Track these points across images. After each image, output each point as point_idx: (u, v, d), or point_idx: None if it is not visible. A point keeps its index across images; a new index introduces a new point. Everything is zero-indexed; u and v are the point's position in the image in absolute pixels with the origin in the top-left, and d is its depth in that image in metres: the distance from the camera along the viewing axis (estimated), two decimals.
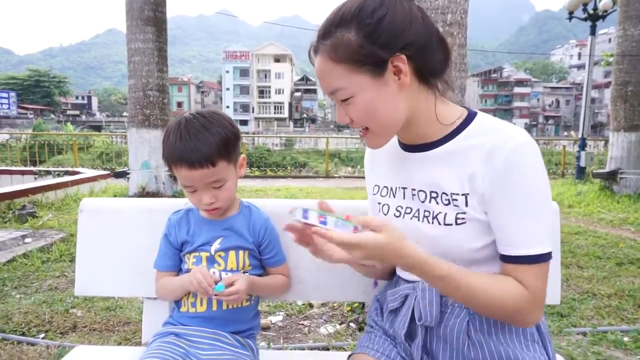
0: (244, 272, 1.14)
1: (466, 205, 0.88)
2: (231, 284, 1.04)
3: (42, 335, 2.42)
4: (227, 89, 78.34)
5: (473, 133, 0.89)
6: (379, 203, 1.06)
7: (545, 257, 0.85)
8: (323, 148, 16.26)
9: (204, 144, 1.03)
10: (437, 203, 0.92)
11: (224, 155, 1.06)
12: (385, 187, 1.05)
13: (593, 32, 10.16)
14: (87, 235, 1.33)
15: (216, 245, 1.13)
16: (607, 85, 57.02)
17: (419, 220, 0.95)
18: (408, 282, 1.02)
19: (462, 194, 0.88)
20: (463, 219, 0.89)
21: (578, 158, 10.32)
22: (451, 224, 0.90)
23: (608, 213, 6.22)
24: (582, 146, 10.31)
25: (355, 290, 1.29)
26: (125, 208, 1.34)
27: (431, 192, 0.93)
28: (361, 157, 17.95)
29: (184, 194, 1.12)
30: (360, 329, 2.49)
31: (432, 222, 0.92)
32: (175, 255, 1.18)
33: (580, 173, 10.06)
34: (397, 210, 1.00)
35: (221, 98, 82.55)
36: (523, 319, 0.87)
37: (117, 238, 1.33)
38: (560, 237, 1.31)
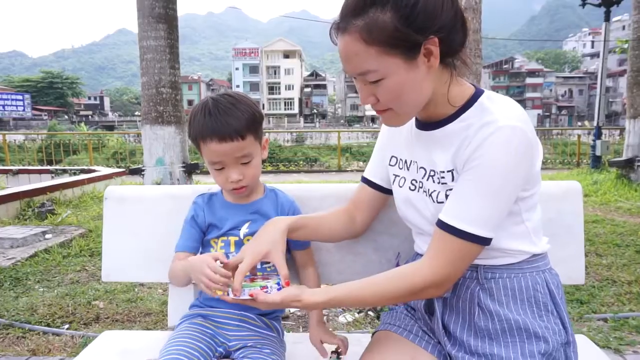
0: None
1: (452, 180, 0.91)
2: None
3: (67, 326, 2.48)
4: (237, 86, 78.45)
5: (470, 115, 0.90)
6: (396, 175, 1.08)
7: (473, 238, 0.85)
8: (334, 143, 16.27)
9: (234, 118, 1.05)
10: (433, 182, 0.95)
11: (252, 130, 1.07)
12: (401, 159, 1.07)
13: (607, 18, 9.97)
14: (112, 222, 1.36)
15: (244, 229, 1.14)
16: (621, 73, 55.94)
17: (426, 195, 0.97)
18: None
19: (448, 170, 0.91)
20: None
21: (593, 147, 10.16)
22: (442, 202, 0.92)
23: (625, 201, 6.12)
24: (598, 135, 10.15)
25: (378, 271, 1.29)
26: (149, 195, 1.37)
27: (430, 170, 0.96)
28: (372, 151, 17.83)
29: (210, 174, 1.13)
30: (379, 317, 2.50)
31: (430, 199, 0.95)
32: (199, 238, 1.18)
33: (596, 162, 9.91)
34: (412, 184, 1.02)
35: None
36: (432, 293, 0.91)
37: (141, 224, 1.35)
38: None
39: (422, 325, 1.02)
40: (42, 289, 3.04)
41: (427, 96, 0.90)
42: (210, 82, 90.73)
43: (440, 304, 0.97)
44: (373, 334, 1.09)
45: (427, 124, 0.98)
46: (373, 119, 76.34)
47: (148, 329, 2.44)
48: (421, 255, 1.06)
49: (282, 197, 1.22)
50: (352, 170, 13.25)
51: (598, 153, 9.94)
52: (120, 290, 3.00)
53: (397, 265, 1.27)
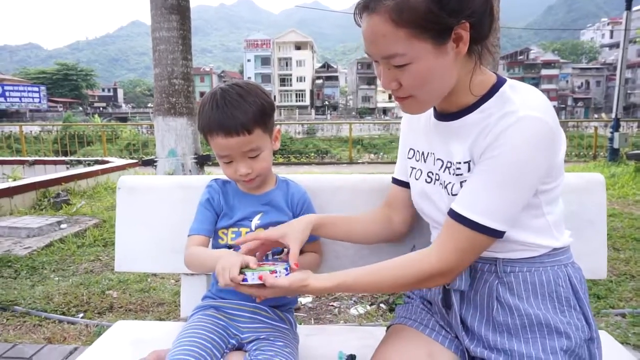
0: (282, 250, 1.13)
1: (468, 171, 0.88)
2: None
3: (81, 314, 2.51)
4: (249, 78, 78.25)
5: (491, 105, 0.87)
6: (413, 167, 1.06)
7: (484, 230, 0.83)
8: (345, 135, 16.18)
9: (241, 112, 1.02)
10: (449, 174, 0.92)
11: (260, 123, 1.05)
12: (418, 151, 1.05)
13: (629, 6, 9.69)
14: (125, 212, 1.36)
15: (256, 221, 1.13)
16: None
17: (442, 187, 0.95)
18: None
19: (465, 162, 0.88)
20: None
21: (611, 139, 9.95)
22: (457, 194, 0.89)
23: None
24: (616, 127, 9.93)
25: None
26: (161, 185, 1.36)
27: (447, 161, 0.93)
28: (384, 143, 17.83)
29: (220, 166, 1.11)
30: (391, 310, 2.48)
31: (445, 192, 0.93)
32: (214, 221, 1.15)
33: (614, 155, 9.71)
34: (429, 176, 1.00)
35: None
36: (438, 282, 0.90)
37: (154, 215, 1.35)
38: None
39: (439, 319, 1.00)
40: (57, 278, 3.08)
41: (451, 84, 0.87)
42: (222, 74, 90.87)
43: (458, 297, 0.95)
44: (388, 327, 1.07)
45: (445, 115, 0.95)
46: (385, 111, 75.91)
47: (161, 319, 2.46)
48: None
49: (293, 187, 1.20)
50: (363, 163, 13.19)
51: (616, 146, 9.74)
52: (134, 280, 3.02)
53: (413, 247, 1.25)
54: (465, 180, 0.89)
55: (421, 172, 1.03)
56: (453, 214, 0.86)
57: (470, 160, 0.88)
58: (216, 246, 1.16)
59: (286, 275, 0.90)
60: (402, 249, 1.29)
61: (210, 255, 1.05)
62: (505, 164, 0.81)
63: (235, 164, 1.07)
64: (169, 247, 1.32)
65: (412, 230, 1.17)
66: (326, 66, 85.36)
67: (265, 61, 79.56)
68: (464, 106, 0.91)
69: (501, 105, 0.85)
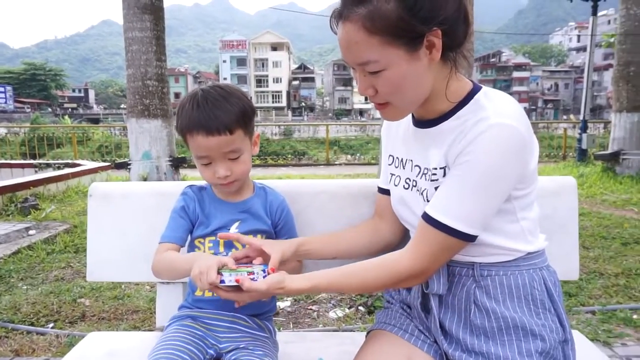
0: None
1: (443, 176, 0.90)
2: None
3: (51, 324, 2.42)
4: (225, 79, 77.68)
5: (466, 111, 0.89)
6: (392, 174, 1.08)
7: (456, 233, 0.85)
8: (322, 136, 16.22)
9: (223, 111, 1.01)
10: (425, 180, 0.94)
11: (241, 124, 1.03)
12: (397, 158, 1.07)
13: (595, 12, 10.04)
14: (97, 220, 1.32)
15: (234, 229, 1.10)
16: (606, 67, 56.64)
17: (419, 194, 0.96)
18: None
19: (441, 167, 0.90)
20: None
21: (580, 140, 10.28)
22: None
23: (611, 194, 6.21)
24: (584, 128, 10.26)
25: None
26: (135, 192, 1.32)
27: (424, 168, 0.95)
28: (360, 144, 17.94)
29: (197, 168, 1.09)
30: (370, 312, 2.49)
31: (422, 198, 0.94)
32: (188, 229, 1.12)
33: (582, 155, 10.03)
34: (406, 183, 1.01)
35: None
36: (412, 282, 0.93)
37: (128, 222, 1.31)
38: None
39: (418, 324, 1.00)
40: (25, 287, 2.97)
41: (427, 90, 0.88)
42: (197, 75, 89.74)
43: (437, 301, 0.95)
44: (368, 332, 1.07)
45: (423, 122, 0.96)
46: (361, 112, 76.40)
47: (136, 327, 2.40)
48: None
49: (271, 194, 1.19)
50: (340, 164, 13.23)
51: (584, 146, 10.06)
52: (107, 287, 2.94)
53: None
54: (439, 186, 0.89)
55: (400, 179, 1.04)
56: (426, 217, 0.87)
57: (445, 166, 0.89)
58: None
59: (264, 277, 0.89)
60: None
61: (184, 259, 1.02)
62: (476, 169, 0.82)
63: (214, 165, 1.04)
64: (143, 255, 1.27)
65: (402, 239, 1.16)
66: (303, 67, 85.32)
67: (241, 62, 79.00)
68: (441, 113, 0.92)
69: (475, 112, 0.86)
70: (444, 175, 0.89)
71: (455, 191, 0.85)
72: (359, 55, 0.83)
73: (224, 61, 79.22)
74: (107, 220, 1.31)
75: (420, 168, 0.96)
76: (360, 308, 2.56)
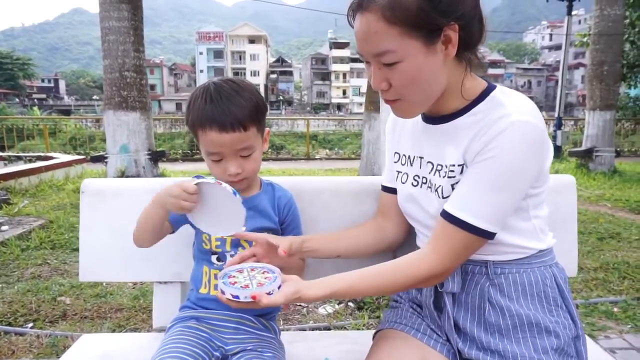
0: None
1: (461, 173, 0.89)
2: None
3: (30, 324, 2.33)
4: (201, 71, 76.62)
5: (482, 108, 0.89)
6: (399, 172, 1.07)
7: (477, 231, 0.85)
8: (300, 130, 16.15)
9: (237, 107, 0.97)
10: (440, 176, 0.93)
11: (255, 120, 1.00)
12: (404, 155, 1.06)
13: (569, 12, 10.29)
14: (89, 218, 1.26)
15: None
16: (576, 66, 58.31)
17: (431, 191, 0.96)
18: None
19: (459, 165, 0.90)
20: None
21: (554, 137, 10.55)
22: (449, 195, 0.90)
23: (585, 190, 6.40)
24: (559, 125, 10.54)
25: (373, 262, 1.25)
26: (129, 188, 1.27)
27: (437, 164, 0.94)
28: (339, 139, 17.95)
29: (206, 164, 1.05)
30: (360, 308, 2.49)
31: (436, 194, 0.94)
32: (180, 220, 1.08)
33: (557, 152, 10.30)
34: (415, 180, 1.01)
35: (195, 81, 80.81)
36: (433, 282, 0.92)
37: (122, 220, 1.25)
38: None
39: (430, 322, 1.00)
40: (0, 285, 2.85)
41: (441, 86, 0.88)
42: (172, 67, 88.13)
43: (450, 300, 0.95)
44: (376, 332, 1.06)
45: (435, 118, 0.96)
46: (339, 107, 76.53)
47: (121, 326, 2.33)
48: None
49: (279, 190, 1.16)
50: (320, 159, 13.21)
51: (559, 143, 10.34)
52: (87, 285, 2.85)
53: (395, 256, 1.25)
54: (457, 183, 0.89)
55: (407, 176, 1.04)
56: (446, 215, 0.87)
57: (463, 164, 0.89)
58: (200, 251, 1.10)
59: (274, 282, 0.87)
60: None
61: (152, 203, 1.00)
62: (499, 166, 0.82)
63: (225, 162, 1.01)
64: (138, 254, 1.23)
65: (406, 238, 1.15)
66: (280, 61, 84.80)
67: (218, 54, 77.89)
68: (455, 109, 0.92)
69: (493, 109, 0.86)
70: (462, 172, 0.89)
71: (476, 189, 0.85)
72: (376, 46, 0.82)
73: (201, 53, 77.92)
74: (99, 218, 1.26)
75: (433, 164, 0.95)
76: (350, 304, 2.55)
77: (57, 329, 2.28)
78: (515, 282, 0.92)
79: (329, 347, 1.18)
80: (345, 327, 2.29)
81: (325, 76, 78.70)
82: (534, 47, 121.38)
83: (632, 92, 15.96)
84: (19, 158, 8.02)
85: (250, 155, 1.02)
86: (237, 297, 0.83)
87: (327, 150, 14.74)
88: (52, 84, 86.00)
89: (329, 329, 2.27)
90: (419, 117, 1.01)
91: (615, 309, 2.49)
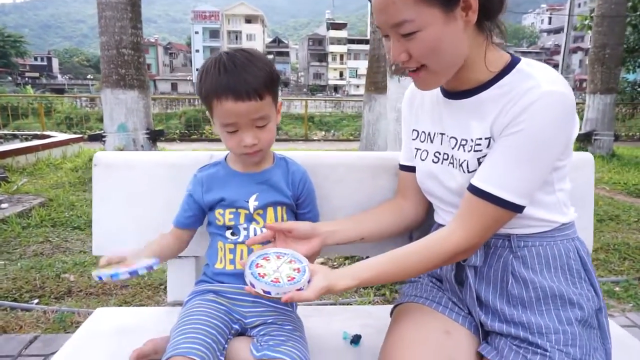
0: None
1: (487, 147, 0.88)
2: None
3: (36, 300, 2.33)
4: (197, 51, 75.51)
5: (509, 80, 0.87)
6: (418, 149, 1.06)
7: (506, 204, 0.83)
8: (296, 112, 16.05)
9: (252, 76, 0.94)
10: (464, 151, 0.92)
11: (270, 90, 0.98)
12: (424, 132, 1.05)
13: None
14: (103, 191, 1.24)
15: (253, 201, 1.05)
16: (575, 50, 57.93)
17: (453, 167, 0.95)
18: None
19: (485, 138, 0.88)
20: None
21: None
22: (475, 170, 0.89)
23: None
24: None
25: (391, 244, 1.24)
26: (144, 162, 1.25)
27: (461, 139, 0.93)
28: (335, 121, 17.83)
29: (220, 137, 1.03)
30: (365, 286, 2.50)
31: (460, 169, 0.92)
32: (196, 214, 1.10)
33: None
34: (435, 156, 1.00)
35: (191, 60, 79.77)
36: (460, 258, 0.91)
37: (136, 195, 1.24)
38: None
39: (451, 296, 1.00)
40: (2, 262, 2.84)
41: (463, 54, 0.86)
42: (168, 46, 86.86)
43: (472, 273, 0.95)
44: (395, 306, 1.06)
45: (457, 93, 0.94)
46: (336, 89, 75.98)
47: (126, 302, 2.34)
48: (440, 224, 1.04)
49: (293, 165, 1.14)
50: (318, 140, 13.16)
51: None
52: (90, 262, 2.85)
53: (411, 235, 1.24)
54: (484, 156, 0.88)
55: (427, 153, 1.03)
56: (474, 190, 0.86)
57: (490, 137, 0.87)
58: (214, 227, 1.09)
59: (304, 275, 0.87)
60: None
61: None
62: (529, 138, 0.81)
63: (241, 133, 0.98)
64: (153, 229, 1.21)
65: (425, 217, 1.14)
66: (277, 41, 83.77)
67: (214, 34, 76.68)
68: (479, 83, 0.90)
69: (521, 81, 0.84)
70: (488, 145, 0.87)
71: (505, 162, 0.83)
72: (394, 16, 0.81)
73: (196, 32, 76.67)
74: (113, 192, 1.24)
75: (457, 140, 0.94)
76: None
77: (63, 305, 2.28)
78: (538, 254, 0.92)
79: (345, 322, 1.18)
80: (350, 304, 2.30)
81: (322, 57, 77.84)
82: (532, 31, 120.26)
83: (631, 77, 15.90)
84: (14, 136, 7.94)
85: (266, 125, 1.00)
86: (268, 292, 0.83)
87: (324, 132, 14.67)
88: (44, 63, 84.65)
89: (334, 305, 2.28)
90: (439, 93, 1.00)
91: (617, 289, 2.52)
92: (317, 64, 78.48)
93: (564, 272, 0.92)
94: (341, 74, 78.35)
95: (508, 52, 0.94)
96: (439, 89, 1.00)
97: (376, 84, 6.14)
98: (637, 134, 13.13)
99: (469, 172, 0.90)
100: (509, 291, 0.91)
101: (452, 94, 0.95)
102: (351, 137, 12.91)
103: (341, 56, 78.04)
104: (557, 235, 0.93)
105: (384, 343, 0.95)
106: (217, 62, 0.96)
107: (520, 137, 0.81)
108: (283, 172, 1.11)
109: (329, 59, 78.02)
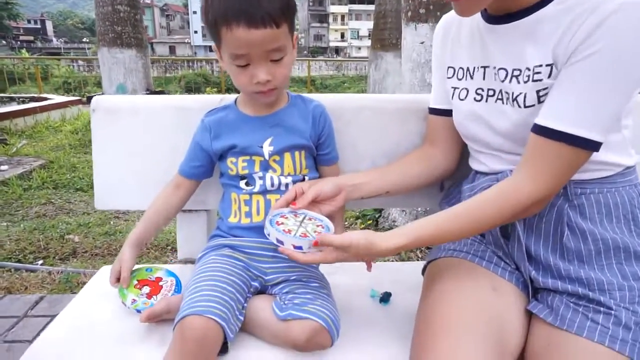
0: (302, 178, 0.97)
1: (549, 76, 0.74)
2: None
3: (40, 261, 2.27)
4: (194, 13, 73.40)
5: None
6: (455, 88, 0.94)
7: (584, 143, 0.70)
8: (297, 75, 15.69)
9: (267, 0, 0.80)
10: (518, 82, 0.79)
11: (287, 17, 0.83)
12: (461, 68, 0.92)
13: None
14: (103, 140, 1.13)
15: (268, 146, 0.94)
16: None
17: (503, 102, 0.83)
18: (487, 174, 0.91)
19: (547, 65, 0.74)
20: (546, 95, 0.75)
21: None
22: (533, 105, 0.76)
23: None
24: None
25: (419, 196, 1.15)
26: (147, 106, 1.13)
27: (513, 69, 0.80)
28: (336, 84, 17.42)
29: (230, 73, 0.90)
30: None
31: (514, 105, 0.80)
32: (204, 163, 1.00)
33: None
34: (478, 94, 0.88)
35: (188, 22, 77.64)
36: (533, 211, 0.79)
37: (139, 142, 1.13)
38: None
39: (495, 249, 0.89)
40: (5, 223, 2.77)
41: None
42: (164, 7, 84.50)
43: (522, 225, 0.84)
44: (429, 262, 0.96)
45: (505, 16, 0.80)
46: (337, 51, 74.35)
47: None
48: (483, 173, 0.92)
49: (311, 102, 1.01)
50: None
51: None
52: (95, 223, 2.78)
53: (442, 186, 1.14)
54: (544, 88, 0.75)
55: (467, 91, 0.90)
56: (542, 130, 0.73)
57: (553, 63, 0.74)
58: (228, 178, 0.98)
59: (328, 230, 0.83)
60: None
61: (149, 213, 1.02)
62: (608, 60, 0.67)
63: (253, 68, 0.85)
64: (158, 179, 1.10)
65: (457, 166, 1.04)
66: None
67: None
68: (528, 3, 0.77)
69: None
70: (550, 74, 0.74)
71: (579, 92, 0.70)
72: None
73: None
74: (114, 140, 1.12)
75: (507, 71, 0.81)
76: None
77: (69, 266, 2.22)
78: (598, 202, 0.81)
79: (373, 278, 1.08)
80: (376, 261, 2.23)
81: (322, 18, 75.73)
82: None
83: None
84: (11, 99, 7.75)
85: (282, 59, 0.86)
86: (299, 247, 0.76)
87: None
88: (38, 25, 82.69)
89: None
90: (478, 22, 0.87)
91: None
92: (318, 24, 76.45)
93: (627, 222, 0.81)
94: (342, 36, 76.43)
95: None
96: (479, 15, 0.86)
97: (382, 41, 5.89)
98: None
99: (525, 106, 0.77)
100: (563, 244, 0.81)
101: (498, 18, 0.82)
102: None
103: (342, 17, 75.88)
104: (618, 180, 0.82)
105: (421, 301, 0.86)
106: None
107: (595, 62, 0.68)
108: (300, 111, 0.99)
109: (330, 19, 75.94)
